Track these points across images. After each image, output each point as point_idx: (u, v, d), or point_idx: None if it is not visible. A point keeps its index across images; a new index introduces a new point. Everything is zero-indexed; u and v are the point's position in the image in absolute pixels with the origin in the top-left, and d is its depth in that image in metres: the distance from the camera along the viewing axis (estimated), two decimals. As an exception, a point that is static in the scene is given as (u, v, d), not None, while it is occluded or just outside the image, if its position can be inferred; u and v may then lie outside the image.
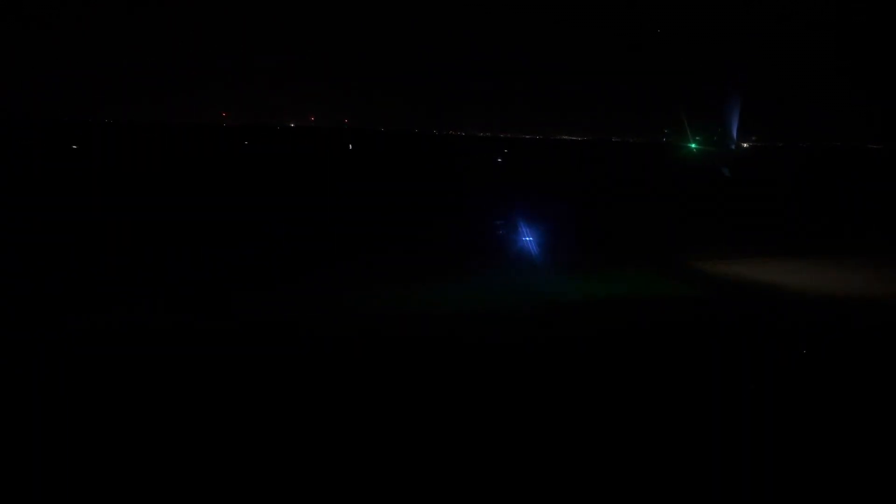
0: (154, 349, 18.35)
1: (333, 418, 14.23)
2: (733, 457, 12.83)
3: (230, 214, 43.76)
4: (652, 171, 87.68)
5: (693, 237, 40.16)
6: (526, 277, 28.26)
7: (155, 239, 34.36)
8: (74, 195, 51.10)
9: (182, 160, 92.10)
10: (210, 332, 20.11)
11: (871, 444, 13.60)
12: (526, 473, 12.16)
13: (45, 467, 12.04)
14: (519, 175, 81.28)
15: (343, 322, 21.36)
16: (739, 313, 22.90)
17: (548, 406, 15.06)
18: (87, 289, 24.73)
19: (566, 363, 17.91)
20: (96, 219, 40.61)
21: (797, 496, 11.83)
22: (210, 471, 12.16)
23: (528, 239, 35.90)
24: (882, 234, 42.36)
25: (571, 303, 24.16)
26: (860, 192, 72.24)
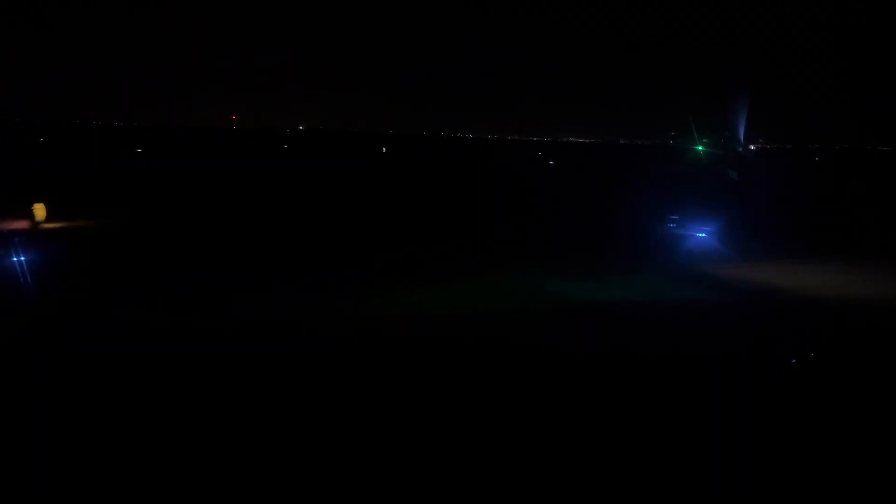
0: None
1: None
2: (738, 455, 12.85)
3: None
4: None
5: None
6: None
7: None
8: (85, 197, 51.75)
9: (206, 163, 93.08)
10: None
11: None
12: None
13: (46, 465, 12.11)
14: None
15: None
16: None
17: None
18: (88, 290, 24.85)
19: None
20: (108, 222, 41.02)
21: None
22: (211, 469, 12.20)
23: (701, 234, 39.32)
24: (887, 236, 42.25)
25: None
26: (869, 194, 72.03)
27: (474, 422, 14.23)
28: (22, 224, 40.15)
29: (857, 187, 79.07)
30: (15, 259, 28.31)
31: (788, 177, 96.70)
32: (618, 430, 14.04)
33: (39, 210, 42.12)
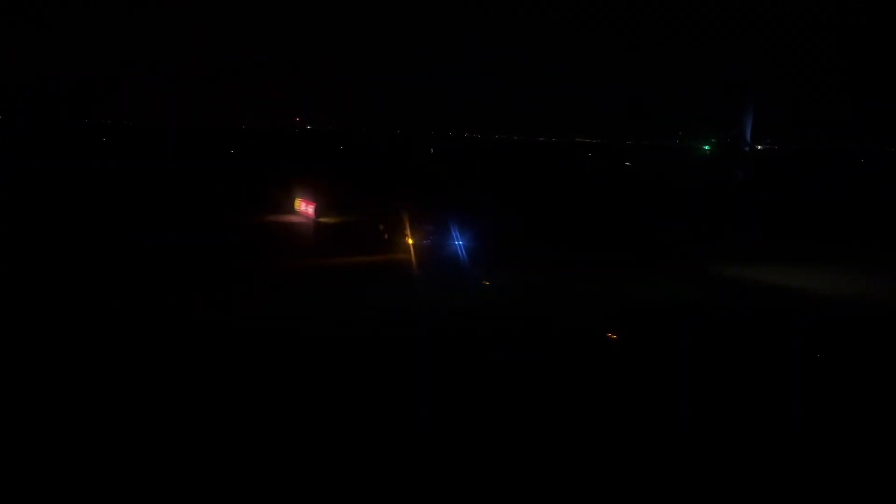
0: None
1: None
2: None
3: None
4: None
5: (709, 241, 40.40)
6: None
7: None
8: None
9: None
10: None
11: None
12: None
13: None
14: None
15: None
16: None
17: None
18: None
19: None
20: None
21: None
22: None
23: None
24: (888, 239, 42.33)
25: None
26: (874, 195, 72.04)
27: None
28: (296, 217, 44.38)
29: None
30: (457, 244, 32.89)
31: None
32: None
33: (301, 204, 46.10)
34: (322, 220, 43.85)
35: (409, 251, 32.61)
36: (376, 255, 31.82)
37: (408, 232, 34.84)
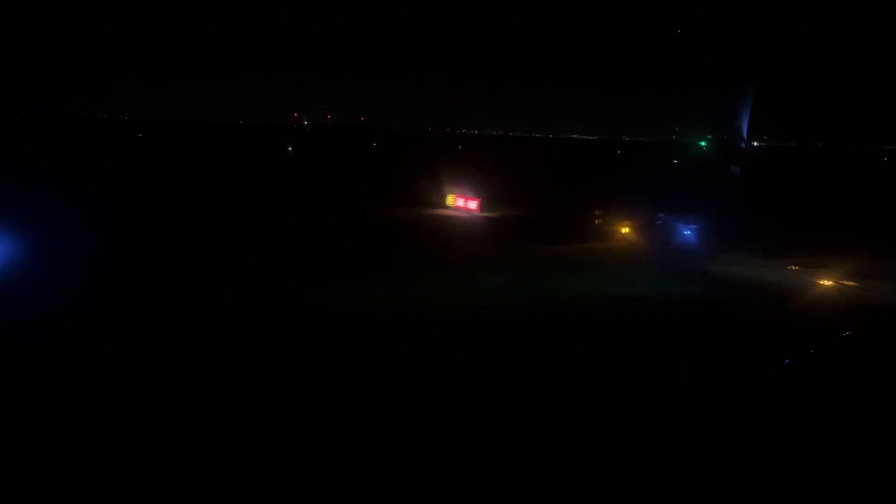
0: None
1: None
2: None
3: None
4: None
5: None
6: None
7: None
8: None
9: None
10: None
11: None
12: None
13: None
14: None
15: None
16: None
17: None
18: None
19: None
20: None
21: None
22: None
23: None
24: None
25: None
26: (872, 194, 71.88)
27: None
28: (454, 212, 46.42)
29: None
30: (687, 232, 37.61)
31: None
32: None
33: (458, 200, 48.80)
34: (487, 214, 45.12)
35: (625, 240, 36.13)
36: (594, 243, 35.09)
37: (624, 223, 38.21)
